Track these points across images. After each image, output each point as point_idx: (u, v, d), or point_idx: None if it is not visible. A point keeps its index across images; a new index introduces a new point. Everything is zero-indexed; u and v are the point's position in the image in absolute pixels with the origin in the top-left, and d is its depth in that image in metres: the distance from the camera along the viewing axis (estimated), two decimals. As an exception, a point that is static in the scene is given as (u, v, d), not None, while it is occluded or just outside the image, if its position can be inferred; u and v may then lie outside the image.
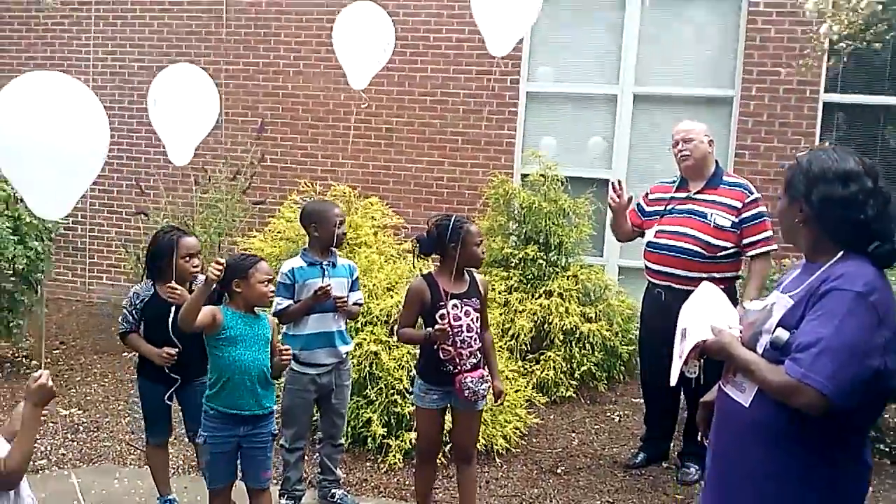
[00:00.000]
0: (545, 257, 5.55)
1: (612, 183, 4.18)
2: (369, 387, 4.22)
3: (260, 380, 3.04)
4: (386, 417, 4.21)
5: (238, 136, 7.14)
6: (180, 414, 3.58)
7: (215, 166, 6.48)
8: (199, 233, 5.96)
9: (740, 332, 2.17)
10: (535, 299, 5.38)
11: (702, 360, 2.25)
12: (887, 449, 4.42)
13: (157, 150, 6.69)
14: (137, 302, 3.43)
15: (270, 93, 7.24)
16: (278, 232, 5.35)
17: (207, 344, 3.05)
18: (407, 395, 4.18)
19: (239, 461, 3.11)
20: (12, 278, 5.31)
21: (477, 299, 3.39)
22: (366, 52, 3.88)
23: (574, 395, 5.22)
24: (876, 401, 2.03)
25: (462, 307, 3.32)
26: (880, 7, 2.44)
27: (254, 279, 3.04)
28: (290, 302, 3.50)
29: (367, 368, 4.23)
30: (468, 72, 6.79)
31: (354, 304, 3.68)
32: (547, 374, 5.14)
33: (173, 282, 3.30)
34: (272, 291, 3.16)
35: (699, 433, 2.40)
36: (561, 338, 5.28)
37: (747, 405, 2.07)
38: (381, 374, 4.24)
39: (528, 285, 5.51)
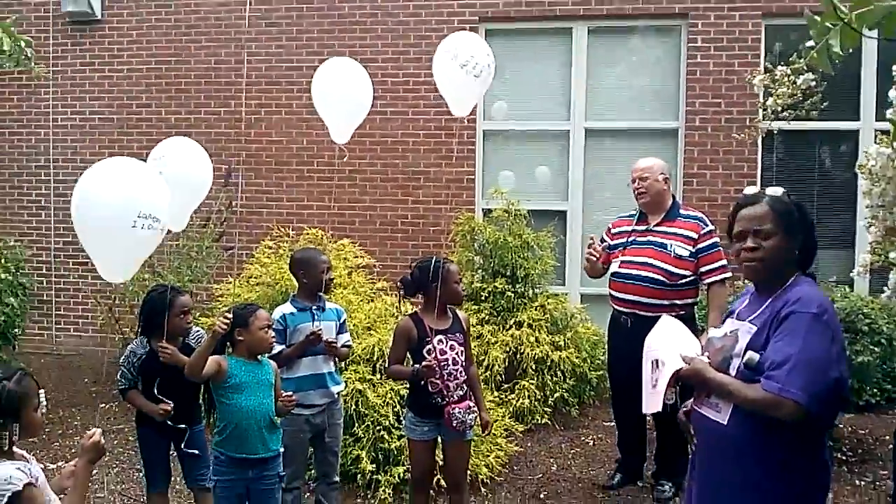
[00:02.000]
0: (513, 289, 5.75)
1: (590, 241, 4.35)
2: (356, 424, 4.35)
3: (266, 424, 3.17)
4: (374, 453, 4.32)
5: (204, 183, 7.22)
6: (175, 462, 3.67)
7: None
8: (171, 280, 6.02)
9: (707, 357, 2.43)
10: (507, 330, 5.58)
11: (677, 387, 2.49)
12: (844, 457, 4.73)
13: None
14: (134, 360, 3.54)
15: (234, 139, 7.38)
16: (253, 277, 5.46)
17: (214, 392, 3.18)
18: (393, 431, 4.32)
19: (248, 503, 3.22)
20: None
21: (460, 334, 3.59)
22: (349, 108, 3.94)
23: (549, 422, 5.41)
24: (836, 406, 2.30)
25: (447, 342, 3.52)
26: (814, 83, 2.82)
27: (254, 326, 3.18)
28: (283, 346, 3.63)
29: (354, 406, 4.35)
30: (426, 113, 7.02)
31: (344, 345, 3.83)
32: (522, 403, 5.33)
33: (164, 340, 3.37)
34: (273, 337, 3.31)
35: (688, 444, 2.56)
36: (533, 366, 5.47)
37: (725, 422, 2.29)
38: (367, 412, 4.37)
39: (499, 317, 5.71)
